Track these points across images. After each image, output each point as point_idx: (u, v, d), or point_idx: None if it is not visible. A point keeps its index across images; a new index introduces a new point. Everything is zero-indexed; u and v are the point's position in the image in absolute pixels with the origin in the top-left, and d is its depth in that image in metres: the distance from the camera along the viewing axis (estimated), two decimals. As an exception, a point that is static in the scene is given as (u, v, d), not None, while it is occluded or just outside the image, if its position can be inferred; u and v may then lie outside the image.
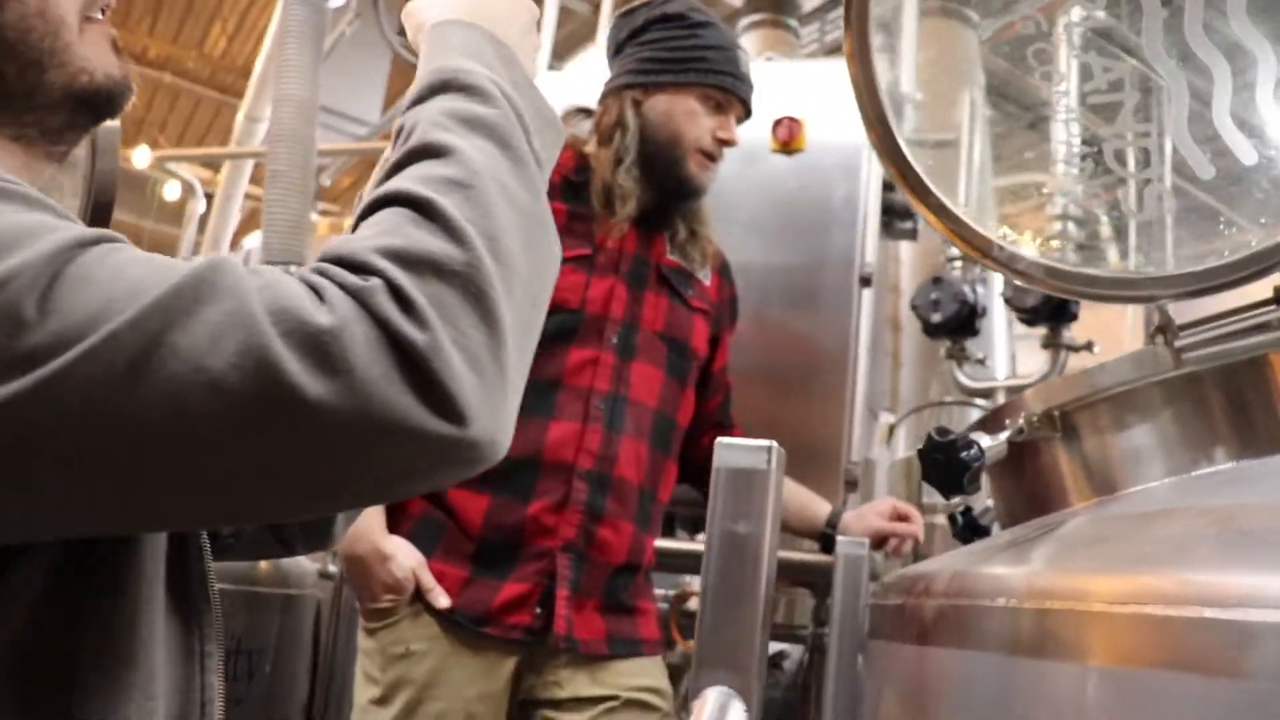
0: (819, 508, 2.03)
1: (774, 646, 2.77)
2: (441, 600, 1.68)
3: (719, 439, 1.07)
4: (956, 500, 2.50)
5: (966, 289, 2.30)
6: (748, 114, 1.96)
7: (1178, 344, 1.18)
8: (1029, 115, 1.58)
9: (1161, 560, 0.84)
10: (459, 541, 1.73)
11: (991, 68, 1.52)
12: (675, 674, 2.14)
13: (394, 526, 1.76)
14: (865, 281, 2.44)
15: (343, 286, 0.62)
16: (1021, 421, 1.29)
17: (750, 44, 4.74)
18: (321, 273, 0.63)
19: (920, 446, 1.29)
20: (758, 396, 2.40)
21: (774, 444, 1.06)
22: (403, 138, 0.75)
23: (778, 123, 2.53)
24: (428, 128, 0.73)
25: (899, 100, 2.76)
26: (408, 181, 0.69)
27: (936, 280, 2.31)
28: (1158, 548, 0.87)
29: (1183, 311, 1.30)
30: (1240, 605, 0.73)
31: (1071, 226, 2.32)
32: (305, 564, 2.40)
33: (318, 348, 0.59)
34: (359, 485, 0.64)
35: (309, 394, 0.58)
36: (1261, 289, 1.25)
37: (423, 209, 0.66)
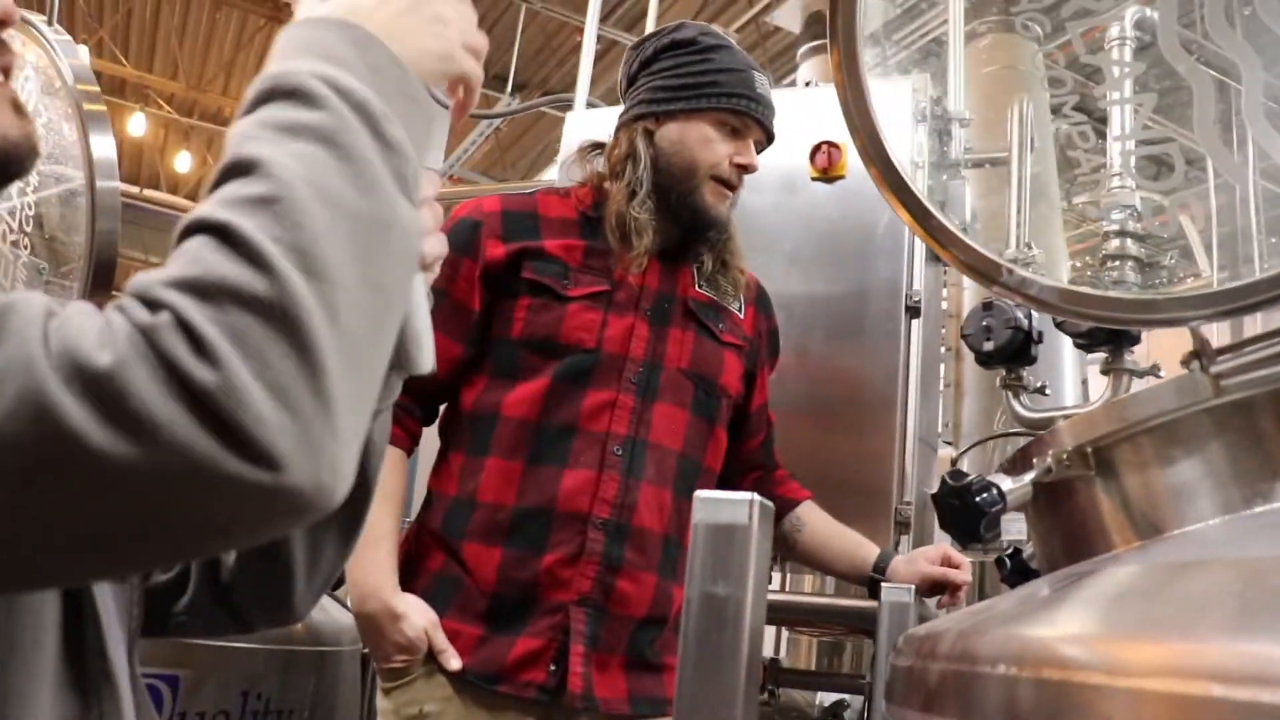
0: (867, 551, 1.92)
1: (834, 696, 2.65)
2: (454, 662, 1.61)
3: (698, 492, 0.98)
4: (1005, 542, 2.36)
5: (1020, 314, 2.17)
6: (769, 139, 1.87)
7: (1215, 369, 1.06)
8: (1094, 126, 1.47)
9: (1175, 625, 0.73)
10: (473, 598, 1.66)
11: (1057, 79, 1.42)
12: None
13: (409, 583, 1.69)
14: (913, 311, 2.33)
15: (131, 322, 0.56)
16: (1050, 460, 1.18)
17: (811, 70, 4.66)
18: (118, 308, 0.58)
19: (939, 489, 1.19)
20: (803, 435, 2.30)
21: (756, 496, 0.96)
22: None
23: (816, 149, 2.44)
24: (238, 143, 0.66)
25: (944, 120, 2.66)
26: (209, 206, 0.62)
27: (987, 306, 2.19)
28: (1175, 609, 0.76)
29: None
30: (1256, 682, 0.62)
31: (1130, 244, 2.19)
32: (342, 620, 2.35)
33: (97, 391, 0.54)
34: (174, 538, 0.60)
35: (91, 442, 0.53)
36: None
37: (220, 233, 0.60)
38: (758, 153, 1.86)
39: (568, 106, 3.28)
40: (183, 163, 12.18)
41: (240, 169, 0.64)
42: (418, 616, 1.63)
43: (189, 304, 0.57)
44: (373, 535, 1.64)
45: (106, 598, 0.85)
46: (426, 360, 0.92)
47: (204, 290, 0.57)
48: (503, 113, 6.45)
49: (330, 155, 0.66)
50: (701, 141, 1.79)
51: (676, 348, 1.79)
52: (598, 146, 1.90)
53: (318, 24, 0.75)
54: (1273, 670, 0.61)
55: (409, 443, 1.76)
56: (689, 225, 1.81)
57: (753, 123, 1.82)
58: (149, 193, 13.06)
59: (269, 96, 0.69)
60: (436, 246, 0.91)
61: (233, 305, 0.57)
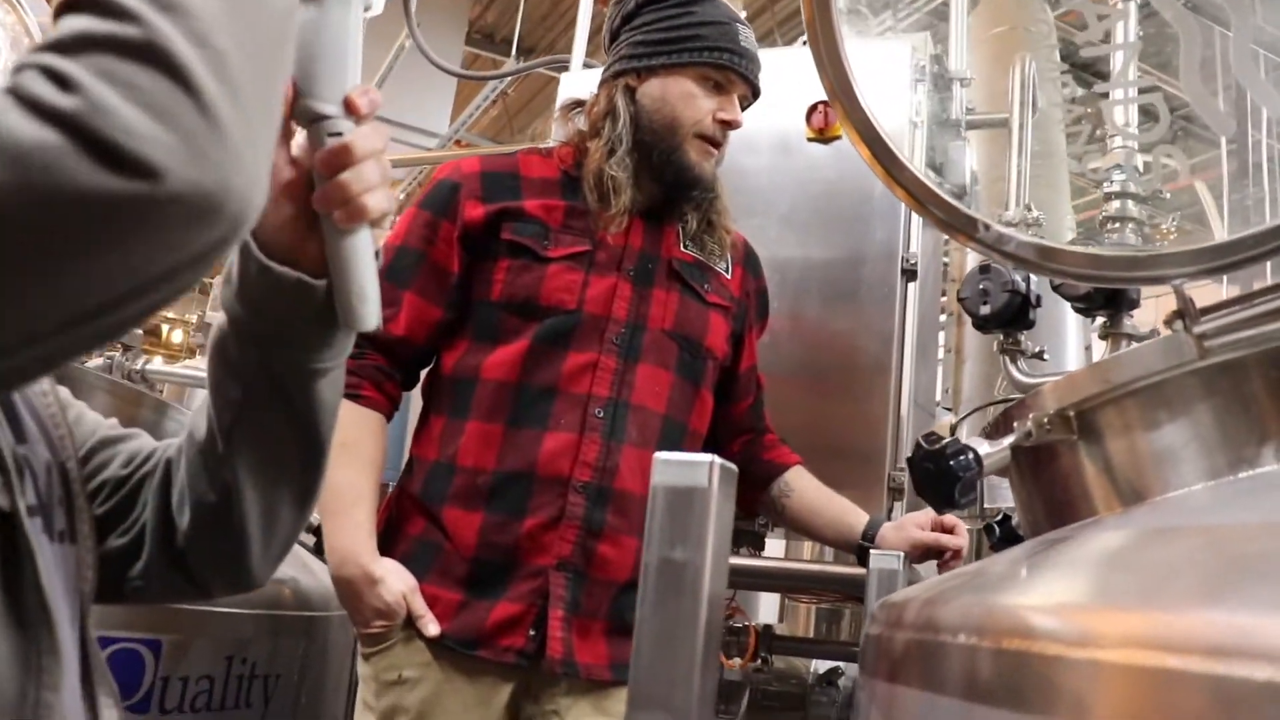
0: (855, 518, 1.88)
1: (828, 664, 2.62)
2: (431, 628, 1.59)
3: (657, 454, 0.95)
4: (997, 509, 2.32)
5: (1018, 277, 2.12)
6: (755, 94, 1.82)
7: (1199, 329, 1.02)
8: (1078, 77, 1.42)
9: (1139, 594, 0.70)
10: (454, 563, 1.64)
11: (1067, 39, 1.38)
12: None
13: (389, 548, 1.67)
14: (909, 275, 2.28)
15: (4, 88, 0.58)
16: (1030, 424, 1.14)
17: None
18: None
19: (913, 453, 1.15)
20: (796, 399, 2.27)
21: (716, 458, 0.93)
22: None
23: (813, 109, 2.39)
24: None
25: (946, 79, 2.60)
26: None
27: (984, 269, 2.14)
28: (1141, 578, 0.73)
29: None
30: (1217, 654, 0.58)
31: (1131, 205, 2.14)
32: (331, 585, 2.34)
33: None
34: (81, 272, 0.60)
35: None
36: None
37: (74, 6, 0.61)
38: (744, 108, 1.82)
39: (567, 68, 3.23)
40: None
41: None
42: (396, 581, 1.61)
43: (51, 57, 0.58)
44: (350, 498, 1.62)
45: (46, 553, 0.83)
46: (371, 317, 0.90)
47: (64, 45, 0.59)
48: (500, 74, 6.38)
49: None
50: (684, 97, 1.75)
51: (660, 308, 1.75)
52: (579, 104, 1.85)
53: None
54: (1234, 642, 0.58)
55: (388, 406, 1.73)
56: (672, 184, 1.77)
57: (736, 77, 1.77)
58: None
59: None
60: (384, 202, 0.89)
61: (94, 49, 0.59)
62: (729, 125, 1.77)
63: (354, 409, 1.64)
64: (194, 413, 0.99)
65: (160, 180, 0.58)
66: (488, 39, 9.97)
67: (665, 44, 1.76)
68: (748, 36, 1.79)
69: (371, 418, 1.68)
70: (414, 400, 1.85)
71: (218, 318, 0.93)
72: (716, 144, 1.77)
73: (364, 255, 0.88)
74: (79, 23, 0.60)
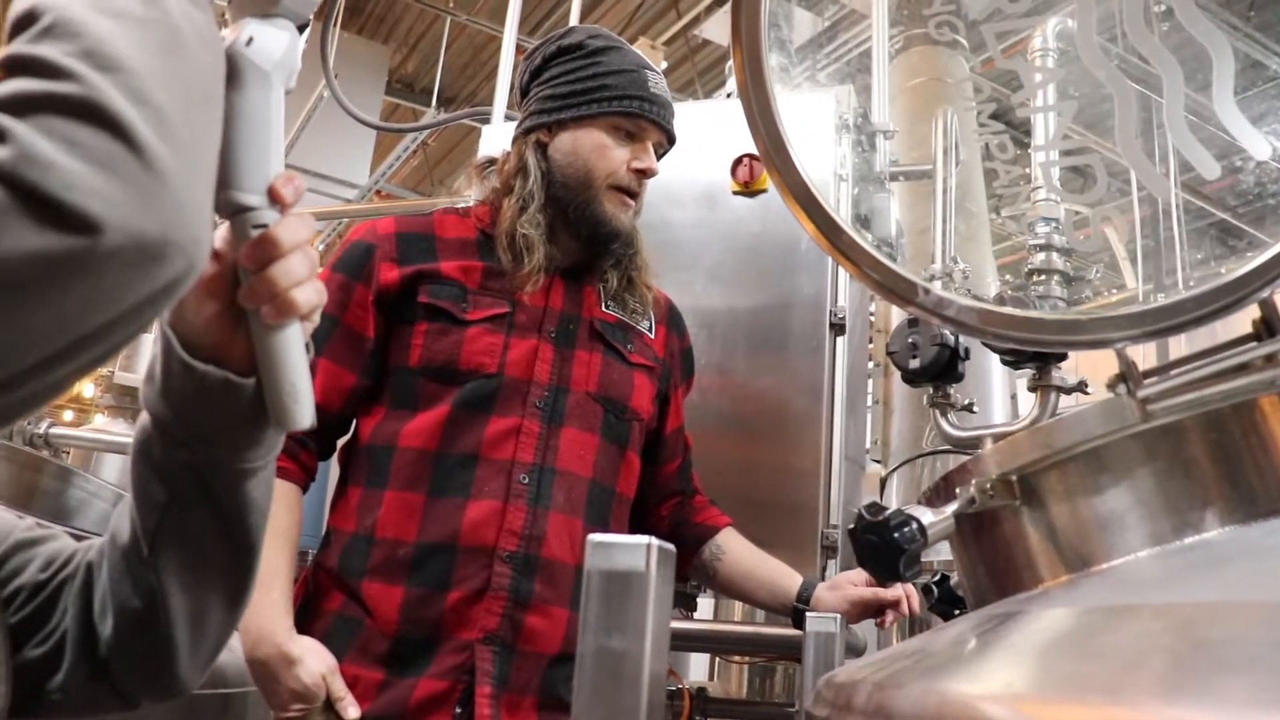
0: (790, 580, 1.84)
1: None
2: (351, 711, 1.51)
3: (591, 536, 0.90)
4: (936, 565, 2.30)
5: (947, 330, 2.11)
6: (671, 140, 1.80)
7: (1142, 393, 1.00)
8: (1014, 136, 1.41)
9: (1102, 685, 0.66)
10: (374, 640, 1.56)
11: (984, 92, 1.37)
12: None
13: (306, 625, 1.59)
14: (838, 328, 2.27)
15: None
16: (973, 490, 1.12)
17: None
18: None
19: (855, 525, 1.12)
20: (726, 454, 2.24)
21: (654, 540, 0.89)
22: None
23: (738, 162, 2.38)
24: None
25: (870, 132, 2.61)
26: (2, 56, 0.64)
27: (913, 322, 2.13)
28: (1102, 666, 0.70)
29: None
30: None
31: (1056, 258, 2.16)
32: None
33: None
34: (9, 324, 0.58)
35: None
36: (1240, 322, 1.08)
37: (8, 67, 0.62)
38: (660, 156, 1.79)
39: (488, 120, 3.19)
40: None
41: (20, 23, 0.65)
42: (315, 661, 1.53)
43: None
44: (265, 574, 1.52)
45: None
46: (305, 415, 0.86)
47: (4, 105, 0.59)
48: (420, 126, 6.35)
49: None
50: (596, 149, 1.72)
51: (584, 370, 1.71)
52: (492, 162, 1.82)
53: None
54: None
55: (303, 477, 1.66)
56: (590, 238, 1.74)
57: (648, 124, 1.74)
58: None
59: None
60: (314, 295, 0.85)
61: (33, 108, 0.59)
62: (644, 174, 1.74)
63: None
64: (115, 514, 0.94)
65: (101, 234, 0.58)
66: (408, 88, 9.94)
67: (574, 96, 1.73)
68: (658, 83, 1.76)
69: (286, 489, 1.61)
70: (333, 468, 1.78)
71: (141, 417, 0.88)
72: (633, 194, 1.74)
73: (294, 351, 0.85)
74: (17, 84, 0.60)
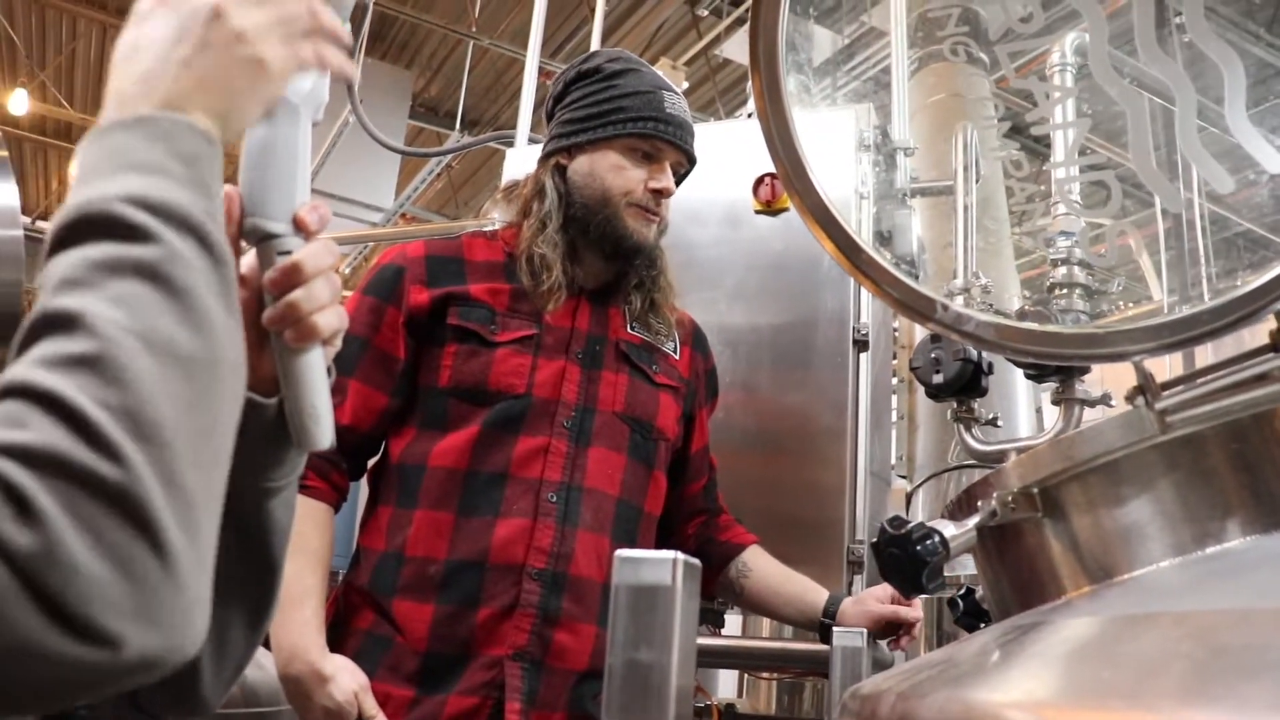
0: (815, 596, 1.85)
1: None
2: None
3: (619, 551, 0.92)
4: (961, 579, 2.30)
5: (968, 346, 2.12)
6: (690, 160, 1.81)
7: (1160, 405, 1.01)
8: (1032, 150, 1.43)
9: (1122, 691, 0.68)
10: (405, 658, 1.58)
11: (1002, 109, 1.39)
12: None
13: (338, 643, 1.61)
14: (861, 344, 2.28)
15: None
16: (995, 503, 1.13)
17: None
18: None
19: (878, 538, 1.13)
20: (752, 471, 2.25)
21: (680, 555, 0.90)
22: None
23: (759, 181, 2.40)
24: (52, 290, 0.61)
25: (890, 149, 2.63)
26: (25, 369, 0.57)
27: (936, 338, 2.14)
28: (1123, 673, 0.71)
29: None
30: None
31: (1077, 271, 2.16)
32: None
33: None
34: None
35: None
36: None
37: (45, 402, 0.56)
38: (682, 176, 1.81)
39: (512, 143, 3.23)
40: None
41: (57, 323, 0.59)
42: (347, 679, 1.55)
43: (18, 471, 0.52)
44: (297, 593, 1.57)
45: None
46: (325, 436, 0.88)
47: (34, 459, 0.53)
48: (448, 150, 6.39)
49: (157, 293, 0.62)
50: (612, 169, 1.74)
51: (610, 390, 1.74)
52: (517, 185, 1.85)
53: (115, 129, 0.70)
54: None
55: (335, 497, 1.68)
56: (613, 254, 1.76)
57: (664, 144, 1.76)
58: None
59: (80, 232, 0.63)
60: (335, 320, 0.87)
61: (66, 479, 0.53)
62: (660, 194, 1.75)
63: (299, 501, 1.59)
64: None
65: (118, 650, 0.53)
66: (432, 112, 10.02)
67: (591, 119, 1.76)
68: (675, 103, 1.78)
69: (317, 509, 1.63)
70: (363, 488, 1.81)
71: None
72: (652, 212, 1.76)
73: (316, 374, 0.87)
74: (49, 432, 0.54)
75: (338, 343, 0.89)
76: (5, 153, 1.74)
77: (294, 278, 0.83)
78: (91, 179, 0.66)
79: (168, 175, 0.66)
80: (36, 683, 0.52)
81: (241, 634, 0.96)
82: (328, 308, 0.84)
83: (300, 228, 0.84)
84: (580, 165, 1.76)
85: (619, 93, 1.76)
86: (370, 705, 1.54)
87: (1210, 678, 0.64)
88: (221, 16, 0.74)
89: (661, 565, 0.90)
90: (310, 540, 1.60)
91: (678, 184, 1.82)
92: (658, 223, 1.77)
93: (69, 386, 0.56)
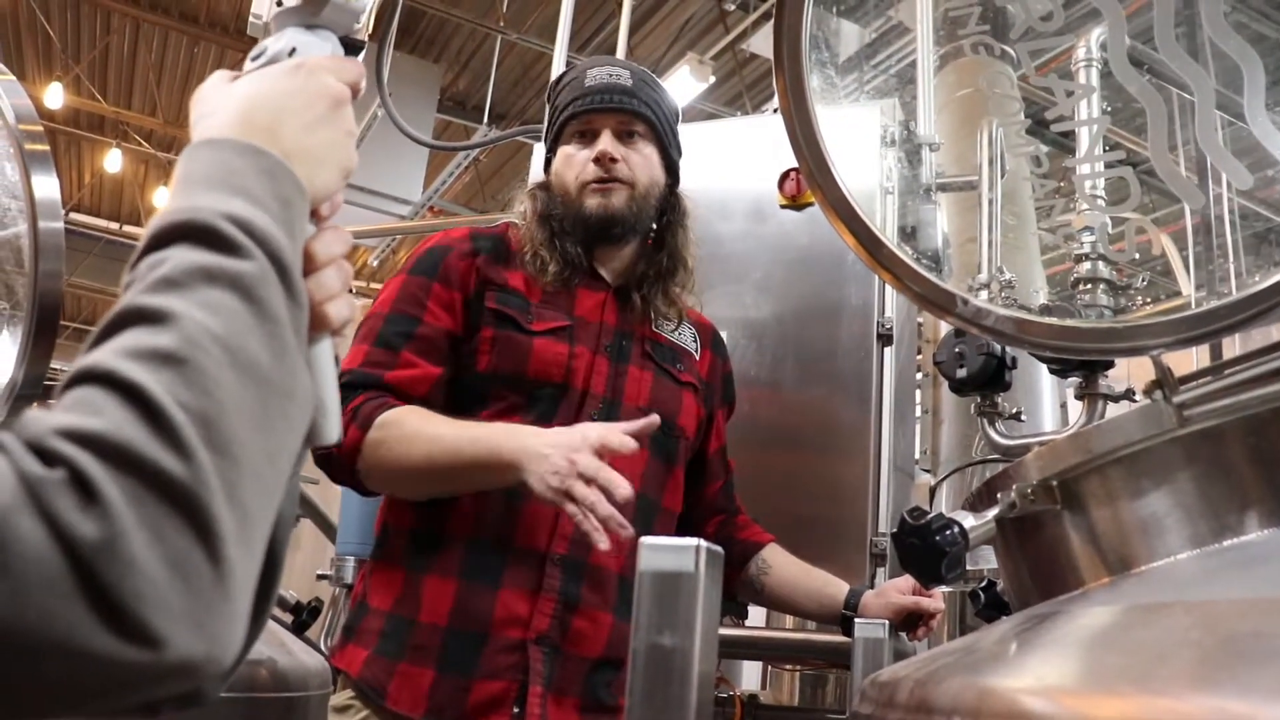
0: (836, 589, 1.87)
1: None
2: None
3: (643, 538, 0.94)
4: (984, 572, 2.31)
5: (990, 340, 2.13)
6: (634, 116, 1.83)
7: (1178, 399, 1.02)
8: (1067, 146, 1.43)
9: (1132, 676, 0.69)
10: (428, 638, 1.61)
11: (1031, 102, 1.40)
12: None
13: (361, 621, 1.68)
14: (885, 339, 2.29)
15: (17, 471, 0.51)
16: (1014, 495, 1.14)
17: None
18: (4, 450, 0.52)
19: (898, 529, 1.15)
20: (776, 465, 2.26)
21: (702, 543, 0.93)
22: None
23: (785, 176, 2.41)
24: (144, 287, 0.61)
25: (914, 144, 2.64)
26: (107, 355, 0.57)
27: (959, 332, 2.15)
28: (1133, 659, 0.72)
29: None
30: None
31: (1101, 267, 2.16)
32: (309, 663, 2.29)
33: None
34: (17, 702, 0.53)
35: None
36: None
37: (125, 390, 0.55)
38: (649, 130, 1.84)
39: (539, 137, 3.25)
40: (162, 198, 12.12)
41: (146, 317, 0.59)
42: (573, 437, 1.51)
43: (88, 459, 0.52)
44: (472, 428, 1.59)
45: None
46: (332, 431, 0.88)
47: (105, 449, 0.53)
48: (477, 144, 6.43)
49: (247, 310, 0.62)
50: (564, 161, 1.83)
51: (635, 386, 1.77)
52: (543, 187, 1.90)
53: (228, 148, 0.72)
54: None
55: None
56: (585, 239, 1.80)
57: (594, 115, 1.81)
58: (129, 229, 13.05)
59: (179, 235, 0.64)
60: (345, 310, 0.86)
61: (134, 473, 0.53)
62: (602, 160, 1.78)
63: (395, 411, 1.61)
64: None
65: (161, 651, 0.52)
66: (459, 106, 10.07)
67: (551, 127, 1.88)
68: (599, 74, 1.83)
69: (412, 404, 1.64)
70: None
71: None
72: (605, 181, 1.78)
73: (325, 366, 0.86)
74: (124, 420, 0.54)
75: (348, 333, 0.89)
76: (46, 146, 1.78)
77: (305, 266, 0.82)
78: (198, 189, 0.68)
79: (267, 210, 0.68)
80: (70, 678, 0.52)
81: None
82: (338, 297, 0.83)
83: (312, 216, 0.84)
84: (554, 168, 1.86)
85: (563, 91, 1.86)
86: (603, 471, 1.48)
87: (1219, 664, 0.66)
88: (341, 108, 0.80)
89: (685, 552, 0.92)
90: (432, 416, 1.61)
91: (665, 138, 1.86)
92: (616, 189, 1.79)
93: (151, 380, 0.55)
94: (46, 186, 1.75)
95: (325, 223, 0.85)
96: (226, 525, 0.56)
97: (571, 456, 1.46)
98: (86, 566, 0.50)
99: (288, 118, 0.76)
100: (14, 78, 1.85)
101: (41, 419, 0.55)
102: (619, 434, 1.49)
